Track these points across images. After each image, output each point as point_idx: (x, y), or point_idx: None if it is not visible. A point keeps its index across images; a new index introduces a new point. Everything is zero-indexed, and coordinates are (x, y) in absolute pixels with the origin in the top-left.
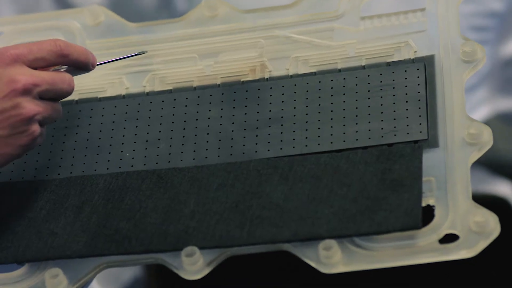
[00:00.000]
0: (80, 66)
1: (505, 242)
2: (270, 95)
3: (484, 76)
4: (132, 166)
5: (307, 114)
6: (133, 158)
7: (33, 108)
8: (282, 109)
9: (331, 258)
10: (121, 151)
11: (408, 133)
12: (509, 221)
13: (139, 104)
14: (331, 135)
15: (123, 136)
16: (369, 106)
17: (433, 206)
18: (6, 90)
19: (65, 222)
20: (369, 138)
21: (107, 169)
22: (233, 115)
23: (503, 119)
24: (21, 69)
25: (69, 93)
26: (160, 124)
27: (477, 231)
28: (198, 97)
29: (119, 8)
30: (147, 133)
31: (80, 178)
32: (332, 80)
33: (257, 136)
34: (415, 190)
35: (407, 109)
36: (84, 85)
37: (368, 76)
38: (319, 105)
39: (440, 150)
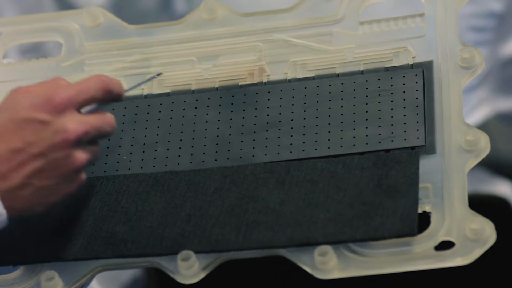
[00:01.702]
0: (118, 99)
1: (505, 243)
2: (268, 99)
3: (484, 77)
4: (129, 169)
5: (304, 118)
6: (130, 161)
7: (84, 157)
8: (280, 113)
9: (327, 263)
10: (118, 154)
11: (405, 139)
12: (509, 222)
13: (137, 106)
14: (329, 140)
15: (121, 138)
16: (366, 112)
17: (430, 212)
18: (57, 139)
19: (61, 225)
20: (367, 143)
21: (104, 171)
22: (231, 119)
23: (503, 119)
24: (71, 116)
25: (111, 135)
26: (158, 127)
27: (473, 238)
28: (196, 100)
29: (119, 10)
30: (145, 136)
31: None
32: (330, 85)
33: (254, 140)
34: (411, 196)
35: (404, 115)
36: None
37: (366, 81)
38: (317, 109)
39: (437, 156)
